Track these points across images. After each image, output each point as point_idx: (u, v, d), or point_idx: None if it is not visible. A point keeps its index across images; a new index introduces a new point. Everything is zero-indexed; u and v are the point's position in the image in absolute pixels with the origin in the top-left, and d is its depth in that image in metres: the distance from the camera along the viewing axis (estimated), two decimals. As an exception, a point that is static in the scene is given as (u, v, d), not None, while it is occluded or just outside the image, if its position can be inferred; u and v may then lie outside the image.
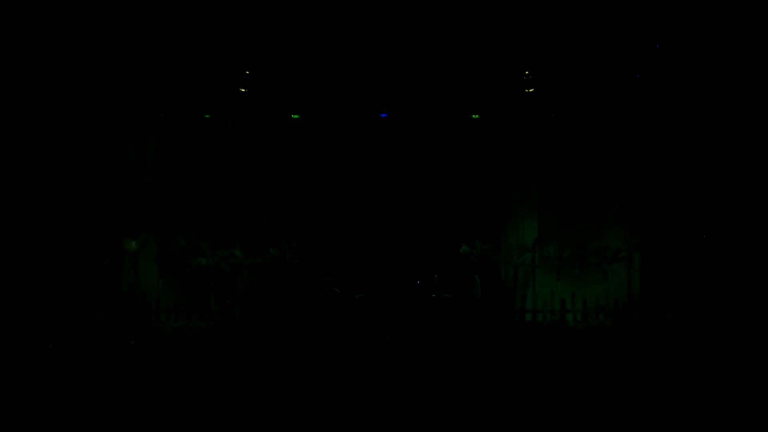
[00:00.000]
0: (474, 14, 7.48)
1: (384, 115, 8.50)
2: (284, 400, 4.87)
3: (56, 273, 7.11)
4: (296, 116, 8.46)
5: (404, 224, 8.50)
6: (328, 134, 8.53)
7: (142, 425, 4.40)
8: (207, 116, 8.25)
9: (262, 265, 7.68)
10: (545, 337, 7.07)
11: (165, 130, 8.15)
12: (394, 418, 4.53)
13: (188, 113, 8.18)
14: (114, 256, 7.46)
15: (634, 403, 4.79)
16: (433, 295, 7.34)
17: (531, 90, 8.10)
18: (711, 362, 5.87)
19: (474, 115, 8.46)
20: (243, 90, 8.06)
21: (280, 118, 8.44)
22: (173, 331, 7.17)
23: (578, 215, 8.20)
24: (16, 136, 6.97)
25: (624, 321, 7.37)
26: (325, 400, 4.86)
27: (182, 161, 8.18)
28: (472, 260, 7.72)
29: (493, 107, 8.41)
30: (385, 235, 8.46)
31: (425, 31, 7.65)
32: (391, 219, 8.51)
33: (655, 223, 7.88)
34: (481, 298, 7.61)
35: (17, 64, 6.90)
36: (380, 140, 8.57)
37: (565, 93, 8.21)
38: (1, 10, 6.67)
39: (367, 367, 5.87)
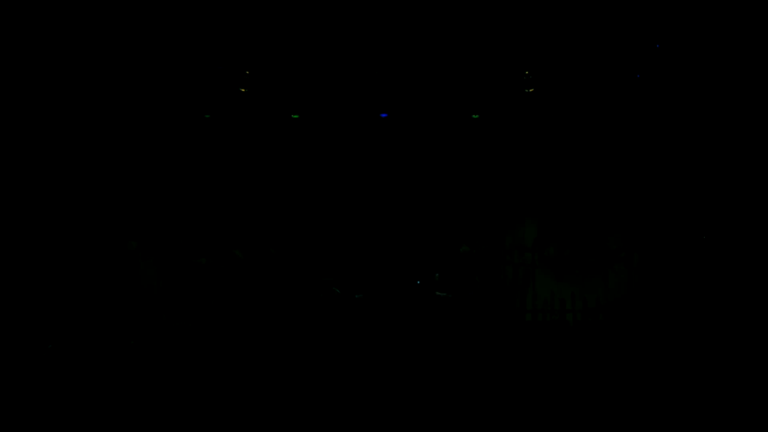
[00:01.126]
0: (474, 14, 7.49)
1: (384, 115, 8.51)
2: (284, 401, 4.87)
3: (55, 272, 7.11)
4: (296, 116, 8.47)
5: (404, 224, 8.51)
6: (328, 134, 8.54)
7: (142, 425, 4.39)
8: (207, 116, 8.26)
9: (262, 265, 7.68)
10: (545, 336, 7.09)
11: (165, 130, 8.16)
12: (396, 418, 4.53)
13: (188, 113, 8.18)
14: (113, 255, 7.46)
15: (634, 401, 4.79)
16: (437, 293, 7.35)
17: (531, 90, 8.12)
18: (711, 362, 5.87)
19: (474, 115, 8.47)
20: (243, 90, 8.07)
21: (280, 118, 8.45)
22: (173, 331, 7.17)
23: (578, 215, 8.21)
24: (16, 136, 6.97)
25: (624, 321, 7.38)
26: (326, 401, 4.85)
27: (182, 161, 8.19)
28: (472, 260, 7.73)
29: (493, 107, 8.42)
30: (385, 235, 8.47)
31: (425, 32, 7.66)
32: (392, 219, 8.52)
33: (655, 223, 7.89)
34: (481, 298, 7.62)
35: (17, 64, 6.91)
36: (380, 140, 8.58)
37: (565, 93, 8.22)
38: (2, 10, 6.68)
39: (367, 367, 5.86)
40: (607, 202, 8.25)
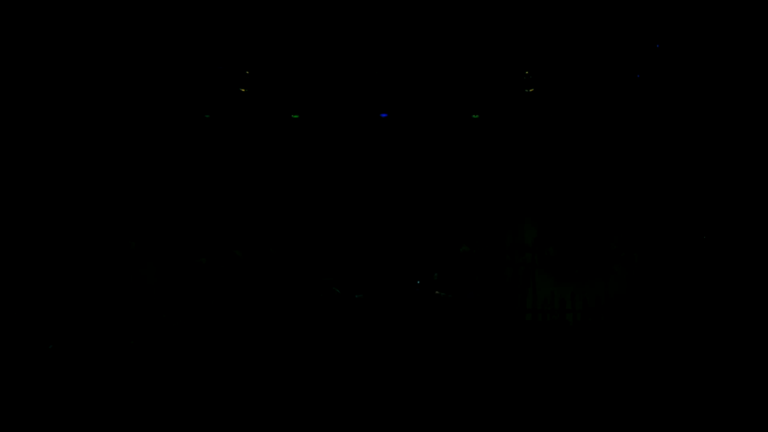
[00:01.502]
0: (474, 14, 7.49)
1: (384, 115, 8.51)
2: (284, 401, 4.87)
3: (55, 272, 7.11)
4: (296, 116, 8.47)
5: (404, 224, 8.51)
6: (328, 134, 8.55)
7: (142, 425, 4.39)
8: (207, 116, 8.26)
9: (262, 265, 7.69)
10: (545, 336, 7.09)
11: (165, 130, 8.17)
12: (396, 418, 4.53)
13: (188, 113, 8.19)
14: (113, 255, 7.47)
15: (634, 401, 4.79)
16: (436, 292, 7.36)
17: (531, 90, 8.12)
18: (711, 362, 5.87)
19: (474, 115, 8.47)
20: (243, 90, 8.07)
21: (280, 118, 8.45)
22: (173, 331, 7.17)
23: (578, 215, 8.22)
24: (17, 136, 6.98)
25: (624, 321, 7.38)
26: (326, 401, 4.85)
27: (182, 161, 8.19)
28: (472, 260, 7.74)
29: (493, 107, 8.42)
30: (385, 235, 8.47)
31: (425, 32, 7.66)
32: (392, 219, 8.52)
33: (655, 223, 7.89)
34: (481, 298, 7.62)
35: (17, 64, 6.92)
36: (380, 140, 8.58)
37: (565, 93, 8.23)
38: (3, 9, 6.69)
39: (367, 367, 5.86)
40: (607, 202, 8.26)
